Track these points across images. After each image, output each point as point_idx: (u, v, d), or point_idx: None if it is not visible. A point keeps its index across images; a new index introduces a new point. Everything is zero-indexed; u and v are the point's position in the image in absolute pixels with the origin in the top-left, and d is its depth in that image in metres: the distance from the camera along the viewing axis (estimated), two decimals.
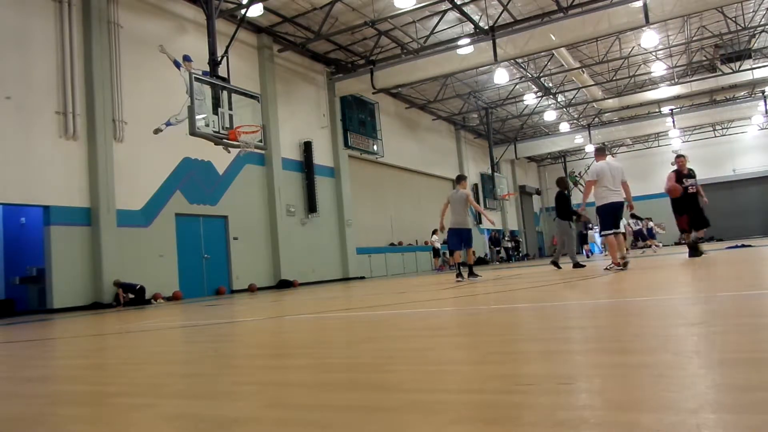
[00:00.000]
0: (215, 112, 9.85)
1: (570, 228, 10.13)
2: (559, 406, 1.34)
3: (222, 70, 10.50)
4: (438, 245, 21.39)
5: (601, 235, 8.27)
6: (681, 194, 9.78)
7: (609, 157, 8.21)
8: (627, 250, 9.63)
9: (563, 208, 10.04)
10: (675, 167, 10.40)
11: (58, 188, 10.86)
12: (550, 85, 24.84)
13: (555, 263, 10.13)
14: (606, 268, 7.90)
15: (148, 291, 11.65)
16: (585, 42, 19.21)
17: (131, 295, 11.22)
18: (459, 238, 9.28)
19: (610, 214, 7.85)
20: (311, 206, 17.20)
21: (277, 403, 1.67)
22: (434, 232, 21.40)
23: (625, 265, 7.71)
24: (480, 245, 27.33)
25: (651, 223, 27.42)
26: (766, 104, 26.58)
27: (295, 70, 17.62)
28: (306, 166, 17.33)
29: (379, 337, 3.22)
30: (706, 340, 2.10)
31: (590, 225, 21.41)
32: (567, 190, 10.38)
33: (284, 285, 15.32)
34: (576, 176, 37.71)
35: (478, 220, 29.07)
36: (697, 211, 9.78)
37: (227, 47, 10.78)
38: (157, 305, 10.80)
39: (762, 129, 32.14)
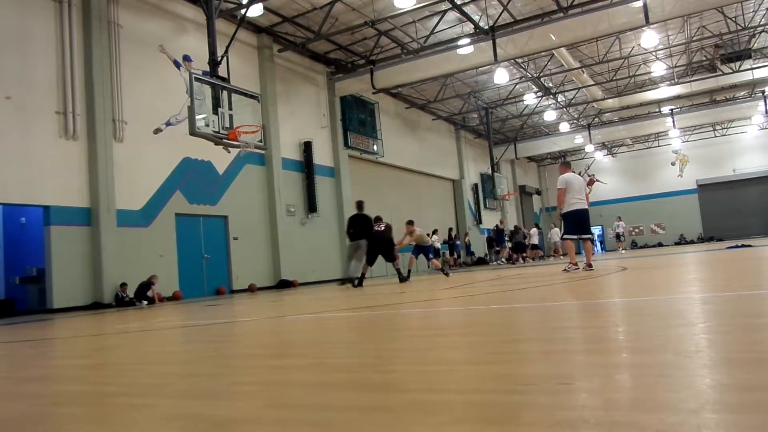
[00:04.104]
0: (215, 112, 9.85)
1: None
2: (559, 406, 1.34)
3: (222, 70, 10.50)
4: (438, 245, 21.36)
5: (562, 239, 8.87)
6: None
7: (570, 172, 8.84)
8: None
9: (369, 228, 11.05)
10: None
11: (58, 188, 10.86)
12: (550, 85, 24.84)
13: (349, 280, 10.90)
14: (564, 269, 8.49)
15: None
16: (585, 42, 19.21)
17: (127, 296, 11.16)
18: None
19: (575, 220, 8.42)
20: (311, 206, 17.20)
21: (277, 403, 1.67)
22: (434, 232, 21.36)
23: (590, 265, 8.40)
24: (480, 245, 27.34)
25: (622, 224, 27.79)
26: (766, 104, 26.58)
27: (295, 70, 17.63)
28: (306, 166, 17.33)
29: (379, 337, 3.22)
30: (706, 340, 2.10)
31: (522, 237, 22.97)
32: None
33: (284, 285, 15.32)
34: None
35: (478, 220, 29.14)
36: None
37: (227, 47, 10.77)
38: (142, 306, 10.69)
39: (762, 129, 32.13)
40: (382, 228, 11.62)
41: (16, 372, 3.02)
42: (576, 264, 8.49)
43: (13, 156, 10.24)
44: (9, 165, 10.17)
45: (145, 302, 11.11)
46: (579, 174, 36.83)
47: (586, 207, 8.42)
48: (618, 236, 26.81)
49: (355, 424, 1.34)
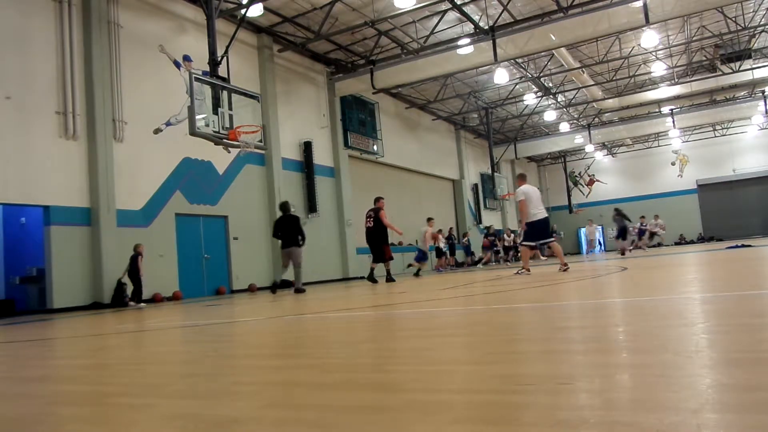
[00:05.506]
0: (215, 112, 9.85)
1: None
2: (559, 406, 1.34)
3: (222, 70, 10.51)
4: (441, 245, 21.30)
5: (520, 244, 9.65)
6: None
7: (527, 185, 9.48)
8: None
9: (300, 231, 10.79)
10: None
11: (58, 188, 10.86)
12: (550, 85, 24.84)
13: (275, 286, 11.36)
14: (517, 272, 9.12)
15: (146, 291, 11.56)
16: (585, 42, 19.21)
17: (128, 295, 11.10)
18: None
19: (536, 229, 9.15)
20: (311, 206, 17.20)
21: (277, 403, 1.67)
22: (438, 231, 21.32)
23: (565, 265, 9.01)
24: (478, 245, 27.30)
25: (655, 221, 26.52)
26: (766, 104, 26.57)
27: (295, 70, 17.62)
28: (306, 166, 17.33)
29: (379, 337, 3.22)
30: (706, 340, 2.10)
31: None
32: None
33: (284, 285, 15.29)
34: (576, 176, 37.71)
35: (478, 220, 29.13)
36: None
37: (227, 47, 10.78)
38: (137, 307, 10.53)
39: (762, 129, 32.12)
40: (371, 224, 11.64)
41: (16, 372, 3.02)
42: (529, 270, 9.18)
43: (12, 156, 10.24)
44: (9, 165, 10.17)
45: (141, 304, 10.99)
46: (579, 174, 37.00)
47: (546, 215, 9.23)
48: (652, 235, 23.03)
49: (355, 424, 1.34)
